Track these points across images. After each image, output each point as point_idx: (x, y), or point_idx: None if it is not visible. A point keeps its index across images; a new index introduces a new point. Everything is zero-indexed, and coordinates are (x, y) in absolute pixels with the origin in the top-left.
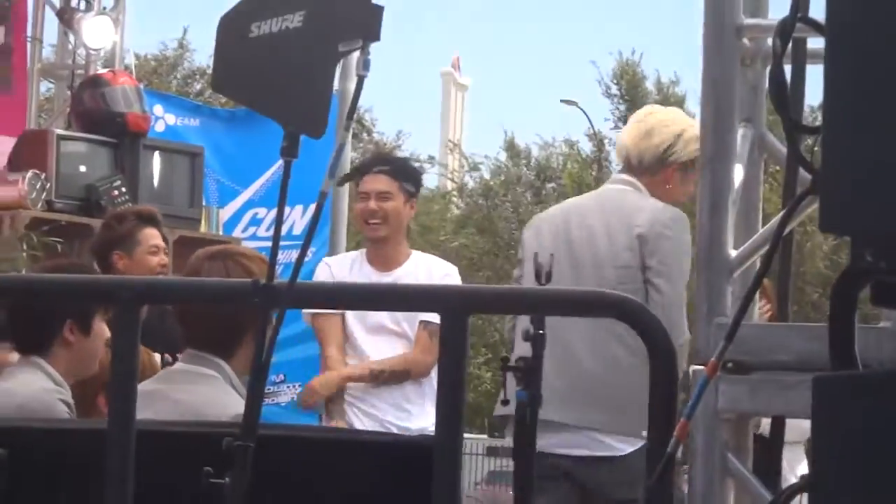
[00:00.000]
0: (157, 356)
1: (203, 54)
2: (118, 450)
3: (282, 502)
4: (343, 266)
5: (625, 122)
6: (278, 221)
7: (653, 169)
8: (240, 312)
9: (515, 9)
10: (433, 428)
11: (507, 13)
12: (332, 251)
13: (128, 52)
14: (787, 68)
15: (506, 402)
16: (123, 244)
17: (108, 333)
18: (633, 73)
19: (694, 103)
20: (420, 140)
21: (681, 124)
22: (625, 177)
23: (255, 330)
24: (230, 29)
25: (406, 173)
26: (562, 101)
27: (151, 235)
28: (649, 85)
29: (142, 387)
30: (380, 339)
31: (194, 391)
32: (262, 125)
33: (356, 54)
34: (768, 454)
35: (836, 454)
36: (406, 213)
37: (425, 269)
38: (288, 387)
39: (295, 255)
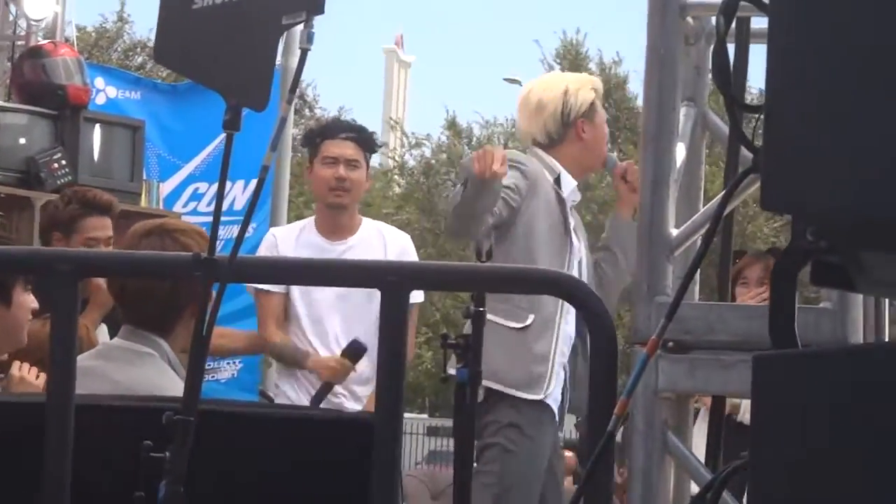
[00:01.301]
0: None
1: (144, 27)
2: (57, 424)
3: (222, 478)
4: (289, 236)
5: None
6: (219, 194)
7: (561, 134)
8: (178, 289)
9: None
10: None
11: None
12: (274, 226)
13: (69, 24)
14: (731, 48)
15: (444, 379)
16: (64, 227)
17: (33, 304)
18: (575, 52)
19: (636, 84)
20: (361, 117)
21: (560, 83)
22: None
23: (193, 307)
24: (174, 0)
25: (369, 144)
26: (504, 79)
27: (94, 226)
28: (592, 65)
29: (79, 361)
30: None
31: (131, 371)
32: (204, 99)
33: (299, 27)
34: (740, 439)
35: (776, 433)
36: (366, 184)
37: (378, 235)
38: (228, 363)
39: (236, 230)
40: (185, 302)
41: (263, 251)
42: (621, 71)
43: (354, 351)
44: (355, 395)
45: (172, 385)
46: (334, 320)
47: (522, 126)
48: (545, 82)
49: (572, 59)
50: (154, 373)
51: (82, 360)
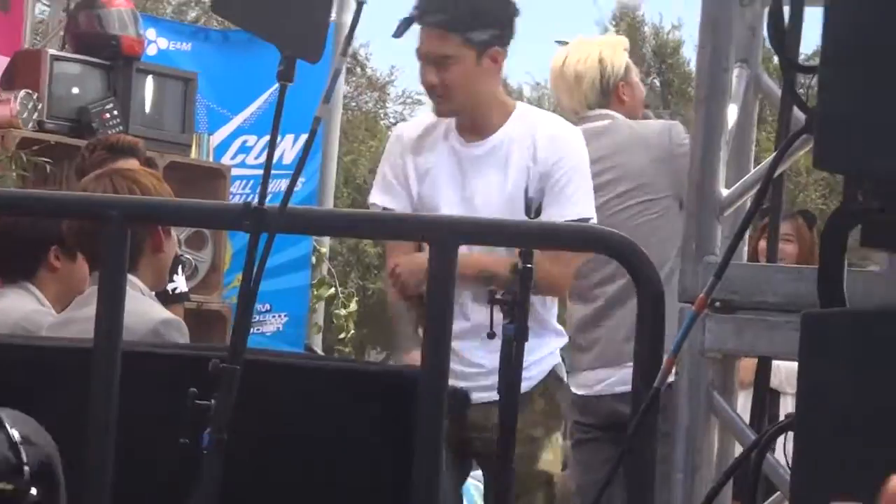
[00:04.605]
0: None
1: None
2: (104, 369)
3: (265, 427)
4: (416, 133)
5: None
6: (271, 143)
7: (604, 103)
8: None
9: None
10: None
11: None
12: (322, 182)
13: None
14: (786, 10)
15: (492, 336)
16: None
17: None
18: (632, 15)
19: (690, 50)
20: (413, 76)
21: (593, 51)
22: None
23: (151, 243)
24: None
25: (472, 17)
26: (556, 41)
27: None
28: (646, 29)
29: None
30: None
31: None
32: (255, 50)
33: None
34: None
35: (823, 392)
36: (482, 73)
37: (527, 132)
38: (273, 316)
39: (284, 184)
40: (143, 241)
41: (389, 146)
42: (676, 36)
43: None
44: None
45: (155, 307)
46: None
47: (563, 100)
48: (578, 52)
49: (629, 21)
50: (133, 302)
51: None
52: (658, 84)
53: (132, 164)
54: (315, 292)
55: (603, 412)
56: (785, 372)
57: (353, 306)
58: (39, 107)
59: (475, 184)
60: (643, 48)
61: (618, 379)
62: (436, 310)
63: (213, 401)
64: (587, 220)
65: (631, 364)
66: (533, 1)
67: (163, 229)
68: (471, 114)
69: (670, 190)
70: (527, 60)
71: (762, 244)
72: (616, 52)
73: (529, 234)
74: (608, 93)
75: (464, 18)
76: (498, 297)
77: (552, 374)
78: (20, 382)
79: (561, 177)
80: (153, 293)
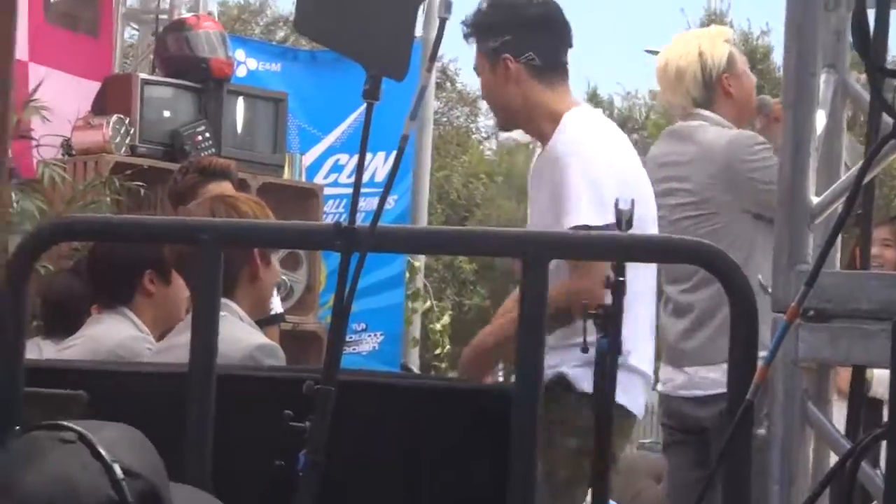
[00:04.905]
0: None
1: (286, 1)
2: (199, 393)
3: (360, 448)
4: None
5: None
6: (360, 164)
7: (709, 98)
8: (232, 255)
9: None
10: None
11: None
12: (415, 199)
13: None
14: (871, 13)
15: (585, 349)
16: (186, 199)
17: None
18: (720, 22)
19: (779, 56)
20: None
21: (691, 46)
22: (700, 111)
23: (248, 271)
24: None
25: (484, 27)
26: (646, 50)
27: (214, 191)
28: (734, 36)
29: (169, 339)
30: None
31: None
32: (344, 69)
33: None
34: (872, 414)
35: None
36: (499, 81)
37: (550, 147)
38: (370, 335)
39: (377, 202)
40: (238, 266)
41: None
42: (766, 41)
43: None
44: None
45: (253, 334)
46: None
47: (668, 98)
48: (678, 48)
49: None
50: (231, 328)
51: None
52: None
53: (225, 186)
54: (410, 305)
55: (678, 414)
56: (886, 380)
57: (445, 319)
58: (132, 131)
59: (533, 196)
60: None
61: (681, 382)
62: (528, 325)
63: (308, 423)
64: (586, 227)
65: (692, 367)
66: (621, 12)
67: (260, 257)
68: (521, 125)
69: (735, 204)
70: (617, 71)
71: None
72: (716, 44)
73: (621, 247)
74: (712, 86)
75: (477, 29)
76: (591, 311)
77: (560, 382)
78: (117, 408)
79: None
80: (252, 320)
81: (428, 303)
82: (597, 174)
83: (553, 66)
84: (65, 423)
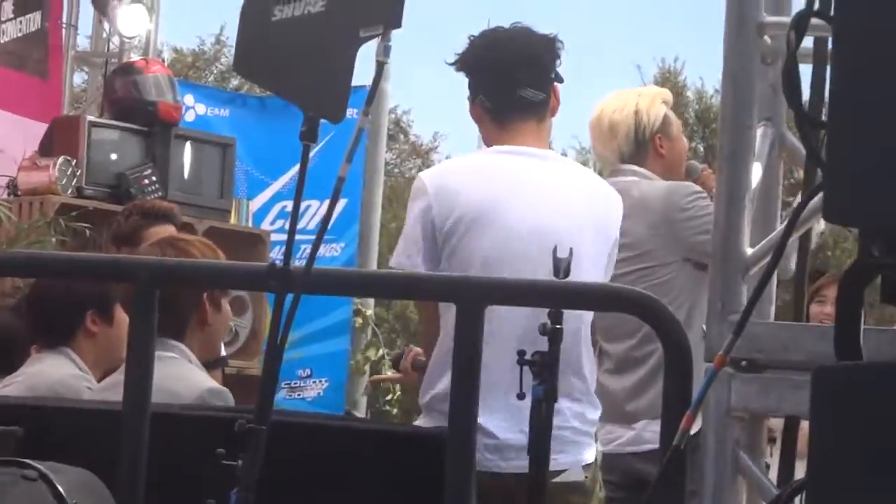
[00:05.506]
0: None
1: None
2: (133, 431)
3: (293, 488)
4: None
5: None
6: (296, 203)
7: (640, 155)
8: (182, 300)
9: (562, 10)
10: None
11: (553, 16)
12: (363, 248)
13: (165, 45)
14: (808, 68)
15: (521, 396)
16: (128, 241)
17: None
18: (674, 80)
19: None
20: (457, 141)
21: (629, 101)
22: (630, 167)
23: (198, 316)
24: (253, 12)
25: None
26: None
27: (158, 235)
28: (689, 93)
29: (114, 377)
30: None
31: (161, 373)
32: (293, 116)
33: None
34: None
35: (835, 448)
36: (478, 126)
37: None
38: (314, 382)
39: (326, 249)
40: (190, 311)
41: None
42: (720, 100)
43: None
44: None
45: (204, 377)
46: None
47: (598, 150)
48: (614, 103)
49: (671, 86)
50: (183, 370)
51: (116, 375)
52: (703, 149)
53: (168, 229)
54: (363, 355)
55: (624, 471)
56: None
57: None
58: (78, 173)
59: None
60: (686, 113)
61: (629, 439)
62: (462, 370)
63: (240, 461)
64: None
65: (640, 422)
66: (577, 67)
67: (210, 301)
68: None
69: (675, 256)
70: (572, 125)
71: (814, 308)
72: (654, 104)
73: (557, 294)
74: (643, 145)
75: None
76: (527, 357)
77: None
78: (53, 445)
79: None
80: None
81: (380, 351)
82: (411, 211)
83: (505, 106)
84: (26, 461)
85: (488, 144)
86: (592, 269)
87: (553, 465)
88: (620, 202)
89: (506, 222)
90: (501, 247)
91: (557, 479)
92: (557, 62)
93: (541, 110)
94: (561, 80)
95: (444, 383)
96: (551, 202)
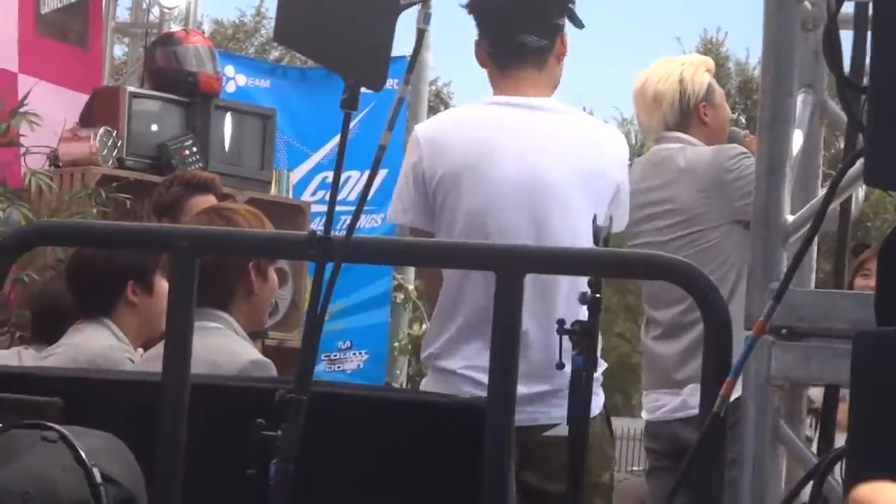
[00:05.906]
0: None
1: None
2: (172, 402)
3: (333, 459)
4: None
5: None
6: (336, 172)
7: (684, 124)
8: (228, 270)
9: None
10: None
11: None
12: None
13: (205, 17)
14: (849, 35)
15: (561, 366)
16: (170, 212)
17: None
18: (716, 52)
19: None
20: None
21: (673, 71)
22: (675, 134)
23: (243, 286)
24: None
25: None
26: None
27: (199, 205)
28: (730, 65)
29: (157, 349)
30: None
31: (205, 344)
32: (334, 86)
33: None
34: None
35: (876, 413)
36: (482, 63)
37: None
38: (354, 354)
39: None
40: (235, 281)
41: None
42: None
43: None
44: None
45: (249, 349)
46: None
47: (643, 120)
48: (659, 71)
49: (713, 57)
50: (228, 341)
51: (158, 348)
52: (744, 120)
53: (209, 199)
54: (406, 332)
55: (668, 438)
56: None
57: None
58: (119, 144)
59: None
60: (728, 85)
61: (677, 405)
62: (502, 340)
63: (279, 432)
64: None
65: (687, 387)
66: (618, 39)
67: (256, 272)
68: None
69: (725, 218)
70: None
71: (858, 281)
72: (697, 72)
73: (597, 263)
74: (688, 113)
75: None
76: (566, 327)
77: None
78: (92, 416)
79: None
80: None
81: (423, 326)
82: (405, 165)
83: (504, 51)
84: (48, 423)
85: (494, 89)
86: (586, 217)
87: (544, 420)
88: (621, 143)
89: (491, 174)
90: (486, 198)
91: (549, 433)
92: (569, 8)
93: (542, 57)
94: (581, 26)
95: (440, 341)
96: (538, 152)
